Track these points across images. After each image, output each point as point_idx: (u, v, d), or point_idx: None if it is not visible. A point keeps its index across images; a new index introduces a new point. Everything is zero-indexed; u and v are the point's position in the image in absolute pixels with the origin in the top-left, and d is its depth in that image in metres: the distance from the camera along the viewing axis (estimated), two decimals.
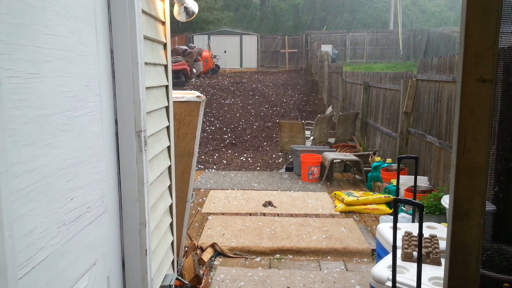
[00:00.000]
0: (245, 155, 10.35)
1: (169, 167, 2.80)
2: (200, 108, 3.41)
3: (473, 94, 1.19)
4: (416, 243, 2.79)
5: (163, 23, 2.62)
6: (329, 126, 9.59)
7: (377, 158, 6.86)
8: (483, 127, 1.20)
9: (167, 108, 2.73)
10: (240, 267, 4.02)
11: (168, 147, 2.77)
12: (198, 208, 5.57)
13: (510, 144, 1.75)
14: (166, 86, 2.71)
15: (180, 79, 16.95)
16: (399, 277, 2.46)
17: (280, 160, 9.66)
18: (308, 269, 4.00)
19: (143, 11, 2.14)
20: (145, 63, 2.15)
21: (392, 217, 3.03)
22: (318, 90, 16.95)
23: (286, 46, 24.00)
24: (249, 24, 30.37)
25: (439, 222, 3.71)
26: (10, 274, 1.12)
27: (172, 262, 2.96)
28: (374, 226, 4.82)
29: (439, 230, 3.27)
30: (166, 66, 2.71)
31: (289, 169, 8.10)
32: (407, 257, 2.74)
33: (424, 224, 3.31)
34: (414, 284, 2.30)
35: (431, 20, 31.01)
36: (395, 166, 6.15)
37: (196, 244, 4.15)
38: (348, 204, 5.52)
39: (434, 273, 2.56)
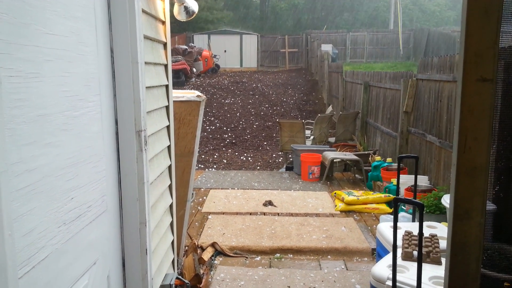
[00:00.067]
0: (245, 154, 10.35)
1: (169, 167, 2.80)
2: (200, 107, 3.40)
3: (473, 93, 1.19)
4: (416, 242, 2.79)
5: (163, 22, 2.62)
6: (329, 126, 9.59)
7: (377, 158, 6.86)
8: (484, 126, 1.20)
9: (167, 107, 2.73)
10: (240, 266, 4.02)
11: (168, 147, 2.77)
12: (198, 207, 5.57)
13: (511, 143, 1.75)
14: (166, 86, 2.71)
15: (180, 79, 16.94)
16: (399, 277, 2.46)
17: (280, 160, 9.66)
18: (308, 268, 4.00)
19: (143, 11, 2.13)
20: (145, 63, 2.15)
21: (392, 216, 3.03)
22: (318, 90, 16.94)
23: (286, 46, 23.98)
24: (249, 24, 30.37)
25: (439, 222, 3.71)
26: (10, 273, 1.12)
27: (173, 262, 2.96)
28: (374, 226, 4.82)
29: (439, 230, 3.27)
30: (166, 66, 2.70)
31: (289, 169, 8.10)
32: (407, 257, 2.74)
33: (424, 224, 3.31)
34: (414, 283, 2.30)
35: (431, 20, 31.00)
36: (395, 165, 6.15)
37: (196, 244, 4.15)
38: (348, 203, 5.52)
39: (434, 272, 2.56)
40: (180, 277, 3.09)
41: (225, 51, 23.20)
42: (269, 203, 5.74)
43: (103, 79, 1.84)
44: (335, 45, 22.08)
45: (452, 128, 5.01)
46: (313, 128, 9.10)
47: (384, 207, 5.44)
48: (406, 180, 5.35)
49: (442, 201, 4.04)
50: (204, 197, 6.03)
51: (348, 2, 31.71)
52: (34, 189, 1.30)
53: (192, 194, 3.67)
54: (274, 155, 10.17)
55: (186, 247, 3.96)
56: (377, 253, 3.57)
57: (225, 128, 12.54)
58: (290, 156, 8.49)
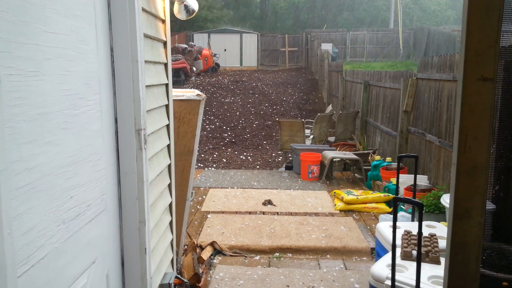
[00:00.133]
0: (244, 153, 10.35)
1: (169, 166, 2.80)
2: (200, 106, 3.40)
3: (474, 93, 1.19)
4: (415, 242, 2.79)
5: (163, 21, 2.62)
6: (329, 125, 9.59)
7: (377, 157, 6.86)
8: (484, 126, 1.20)
9: (167, 106, 2.73)
10: (239, 265, 4.02)
11: (168, 146, 2.77)
12: (198, 206, 5.57)
13: (511, 143, 1.75)
14: (166, 85, 2.71)
15: (180, 78, 16.93)
16: (398, 276, 2.46)
17: (279, 159, 9.66)
18: (307, 267, 4.00)
19: (143, 9, 2.13)
20: (145, 61, 2.15)
21: (391, 216, 3.03)
22: (318, 89, 16.94)
23: (286, 45, 23.97)
24: (249, 23, 30.35)
25: (439, 221, 3.71)
26: (9, 272, 1.12)
27: (172, 261, 2.96)
28: (373, 225, 4.82)
29: (438, 229, 3.28)
30: (166, 65, 2.70)
31: (288, 168, 8.10)
32: (406, 256, 2.75)
33: (424, 223, 3.31)
34: (413, 283, 2.30)
35: (431, 19, 31.01)
36: (394, 165, 6.15)
37: (195, 243, 4.15)
38: (348, 203, 5.52)
39: (433, 272, 2.56)
40: (179, 276, 3.08)
41: (225, 50, 23.19)
42: (268, 202, 5.74)
43: (103, 77, 1.84)
44: (335, 44, 22.07)
45: (452, 127, 5.01)
46: (313, 127, 9.10)
47: (383, 206, 5.44)
48: (406, 179, 5.35)
49: (442, 200, 4.04)
50: (204, 196, 6.03)
51: (348, 1, 31.71)
52: (34, 187, 1.30)
53: (192, 193, 3.66)
54: (273, 154, 10.17)
55: (186, 246, 3.96)
56: (376, 253, 3.57)
57: (224, 127, 12.54)
58: (289, 155, 8.49)
